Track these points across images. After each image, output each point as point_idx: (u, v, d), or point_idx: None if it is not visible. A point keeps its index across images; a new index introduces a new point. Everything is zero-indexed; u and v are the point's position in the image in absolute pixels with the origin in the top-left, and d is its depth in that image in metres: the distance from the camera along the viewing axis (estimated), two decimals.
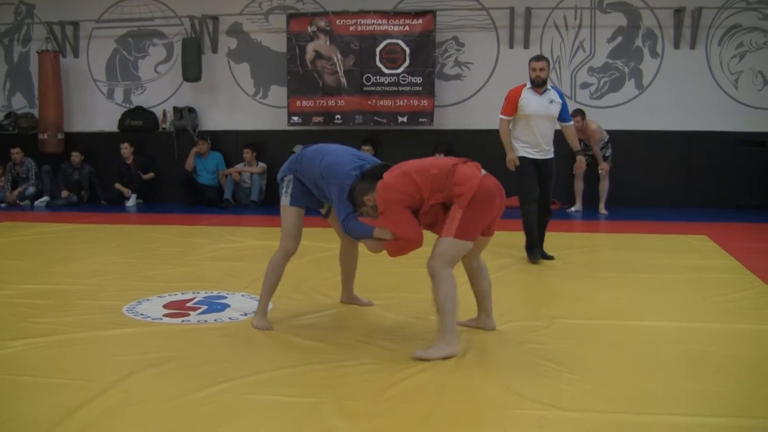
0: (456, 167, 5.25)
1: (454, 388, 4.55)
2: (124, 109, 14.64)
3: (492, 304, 5.80)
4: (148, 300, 6.71)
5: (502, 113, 8.53)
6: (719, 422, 4.09)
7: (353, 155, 5.76)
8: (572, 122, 8.77)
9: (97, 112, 14.79)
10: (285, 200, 5.97)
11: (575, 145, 8.80)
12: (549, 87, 8.50)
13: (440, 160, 5.39)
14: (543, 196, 8.53)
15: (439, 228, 5.34)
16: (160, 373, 4.82)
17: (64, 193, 14.17)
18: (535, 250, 8.48)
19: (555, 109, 8.43)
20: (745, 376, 4.84)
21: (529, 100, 8.36)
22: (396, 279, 7.39)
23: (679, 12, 13.08)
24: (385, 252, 5.50)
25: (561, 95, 8.58)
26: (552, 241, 9.08)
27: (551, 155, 8.49)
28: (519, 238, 8.71)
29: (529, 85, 8.48)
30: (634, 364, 5.03)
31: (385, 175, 5.39)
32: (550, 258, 8.58)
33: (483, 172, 5.29)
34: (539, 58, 8.55)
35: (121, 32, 14.62)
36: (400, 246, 5.39)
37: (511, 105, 8.43)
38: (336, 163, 5.69)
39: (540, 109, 8.36)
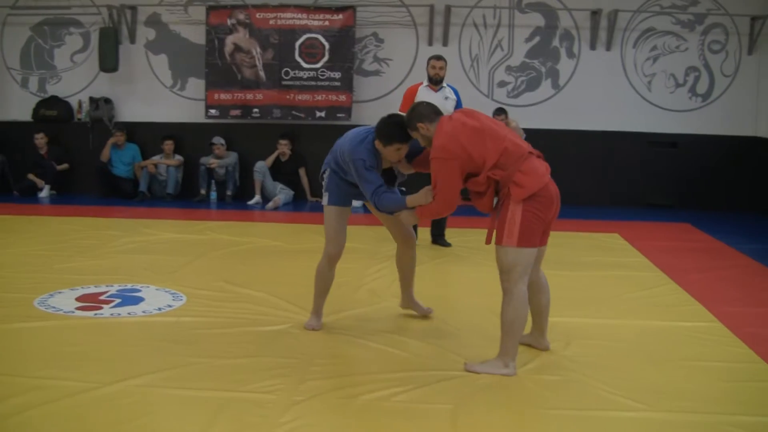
0: (531, 155, 4.93)
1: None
2: (39, 99, 14.36)
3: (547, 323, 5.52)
4: (60, 293, 6.66)
5: (399, 110, 8.67)
6: (631, 416, 4.34)
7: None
8: None
9: (10, 101, 14.42)
10: (324, 199, 5.70)
11: None
12: (445, 85, 8.89)
13: (516, 137, 5.04)
14: None
15: (482, 204, 5.04)
16: (73, 367, 4.80)
17: None
18: (440, 239, 9.11)
19: (450, 105, 8.63)
20: (655, 372, 4.99)
21: (424, 96, 8.58)
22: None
23: (595, 14, 13.27)
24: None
25: (456, 92, 8.95)
26: (466, 237, 9.24)
27: None
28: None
29: (426, 82, 8.90)
30: (545, 359, 5.22)
31: (457, 116, 5.07)
32: (449, 245, 9.10)
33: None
34: (440, 57, 8.96)
35: (36, 20, 14.31)
36: (436, 210, 5.10)
37: (408, 102, 8.63)
38: (350, 137, 5.50)
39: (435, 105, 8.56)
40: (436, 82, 8.85)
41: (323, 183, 5.68)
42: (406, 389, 4.54)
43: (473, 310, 6.46)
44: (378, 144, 5.32)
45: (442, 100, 8.61)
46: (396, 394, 4.46)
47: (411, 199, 5.17)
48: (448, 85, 8.99)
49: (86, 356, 5.03)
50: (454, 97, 8.86)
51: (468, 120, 5.00)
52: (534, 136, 12.80)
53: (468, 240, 9.38)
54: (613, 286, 7.43)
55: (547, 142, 13.06)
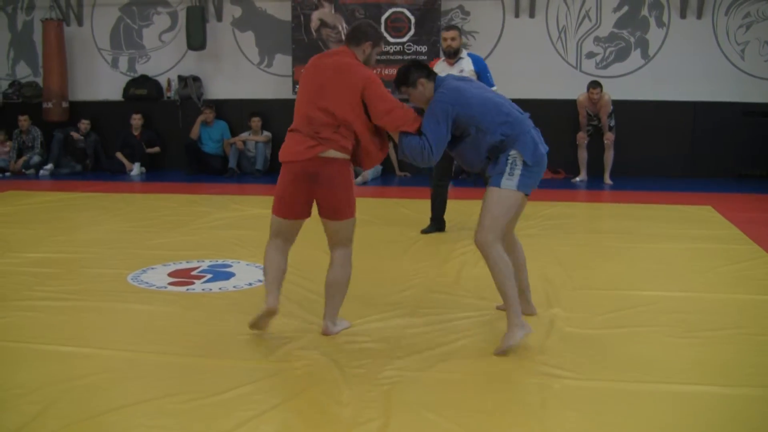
0: (295, 132, 4.85)
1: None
2: (129, 78, 14.59)
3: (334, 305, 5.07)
4: (153, 268, 6.72)
5: None
6: (722, 391, 4.11)
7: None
8: (494, 89, 8.45)
9: (101, 81, 14.73)
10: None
11: None
12: (463, 56, 8.25)
13: (322, 107, 4.75)
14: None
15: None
16: (163, 340, 4.83)
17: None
18: (433, 224, 8.43)
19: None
20: (747, 346, 4.85)
21: (441, 71, 8.18)
22: None
23: None
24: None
25: (478, 61, 8.28)
26: (556, 210, 9.14)
27: None
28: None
29: (442, 56, 8.41)
30: (637, 332, 5.04)
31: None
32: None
33: (331, 153, 4.69)
34: (449, 27, 8.43)
35: (125, 0, 14.54)
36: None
37: None
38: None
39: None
40: (449, 55, 8.23)
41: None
42: (500, 366, 4.48)
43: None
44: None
45: (458, 74, 8.12)
46: (493, 373, 4.40)
47: None
48: (469, 55, 8.32)
49: (177, 331, 5.05)
50: (471, 68, 8.14)
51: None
52: (624, 107, 12.71)
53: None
54: (704, 259, 7.26)
55: (637, 113, 13.03)
